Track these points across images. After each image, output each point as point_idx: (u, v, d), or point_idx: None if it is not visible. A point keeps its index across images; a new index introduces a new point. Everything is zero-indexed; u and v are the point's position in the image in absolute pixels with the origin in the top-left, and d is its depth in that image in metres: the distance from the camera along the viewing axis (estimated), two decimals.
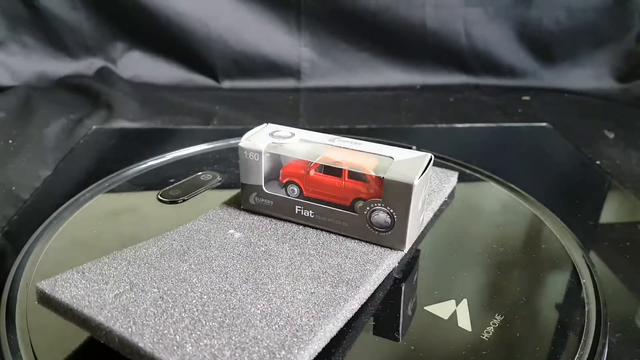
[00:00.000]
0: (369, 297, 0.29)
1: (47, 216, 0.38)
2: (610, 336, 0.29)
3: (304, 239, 0.33)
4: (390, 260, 0.32)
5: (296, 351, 0.23)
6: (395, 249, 0.32)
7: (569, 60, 0.91)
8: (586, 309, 0.31)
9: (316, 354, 0.24)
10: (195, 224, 0.34)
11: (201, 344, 0.23)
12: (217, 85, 0.86)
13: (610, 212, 0.48)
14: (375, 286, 0.30)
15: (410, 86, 0.88)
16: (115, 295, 0.26)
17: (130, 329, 0.24)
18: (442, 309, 0.30)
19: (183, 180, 0.44)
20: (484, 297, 0.31)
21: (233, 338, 0.24)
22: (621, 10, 0.88)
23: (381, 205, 0.31)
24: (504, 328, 0.28)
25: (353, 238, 0.33)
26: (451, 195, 0.42)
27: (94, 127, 0.64)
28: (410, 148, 0.35)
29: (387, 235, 0.32)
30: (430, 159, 0.32)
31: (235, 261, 0.30)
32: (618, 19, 0.89)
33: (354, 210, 0.33)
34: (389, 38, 0.87)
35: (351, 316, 0.27)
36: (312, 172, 0.34)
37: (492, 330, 0.28)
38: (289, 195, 0.35)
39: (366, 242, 0.33)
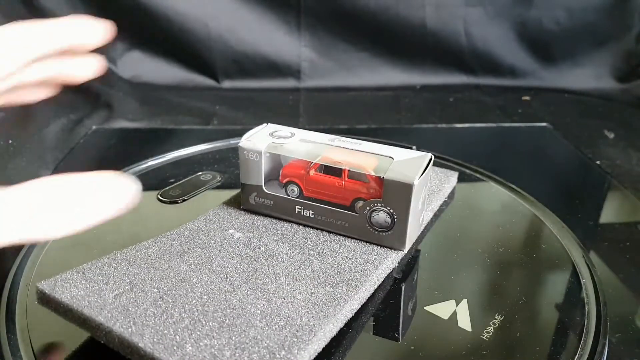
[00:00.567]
0: (369, 297, 0.29)
1: None
2: (610, 336, 0.29)
3: (304, 239, 0.33)
4: (390, 260, 0.32)
5: (296, 351, 0.23)
6: (395, 249, 0.32)
7: (569, 60, 0.91)
8: (586, 309, 0.31)
9: (316, 354, 0.24)
10: (195, 224, 0.34)
11: (201, 344, 0.23)
12: (217, 85, 0.86)
13: (610, 212, 0.48)
14: (375, 286, 0.30)
15: (410, 86, 0.88)
16: (115, 296, 0.26)
17: (130, 329, 0.24)
18: (442, 309, 0.30)
19: (183, 180, 0.44)
20: (484, 297, 0.31)
21: (233, 338, 0.24)
22: (621, 10, 0.88)
23: (381, 205, 0.31)
24: (504, 328, 0.28)
25: (353, 238, 0.33)
26: (451, 195, 0.42)
27: (94, 127, 0.64)
28: (410, 148, 0.35)
29: (387, 235, 0.32)
30: (430, 159, 0.32)
31: (235, 261, 0.30)
32: (618, 19, 0.89)
33: (354, 210, 0.33)
34: (389, 38, 0.87)
35: (351, 316, 0.27)
36: (312, 172, 0.34)
37: (492, 330, 0.28)
38: (288, 195, 0.35)
39: (366, 242, 0.33)
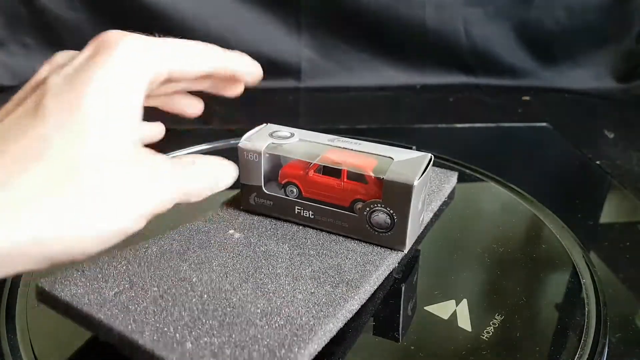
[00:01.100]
0: (369, 297, 0.29)
1: None
2: (610, 336, 0.29)
3: (303, 239, 0.33)
4: (390, 260, 0.32)
5: (296, 350, 0.23)
6: (395, 249, 0.32)
7: (569, 60, 0.91)
8: (586, 309, 0.31)
9: (316, 353, 0.24)
10: (195, 224, 0.34)
11: (201, 342, 0.23)
12: None
13: (610, 212, 0.48)
14: (375, 286, 0.30)
15: (410, 86, 0.88)
16: (115, 294, 0.26)
17: (130, 327, 0.24)
18: (442, 309, 0.30)
19: None
20: (484, 297, 0.31)
21: (233, 336, 0.24)
22: (621, 10, 0.88)
23: (381, 206, 0.31)
24: (504, 328, 0.28)
25: (353, 238, 0.33)
26: (451, 196, 0.42)
27: None
28: (410, 148, 0.35)
29: (387, 236, 0.32)
30: (430, 159, 0.32)
31: (235, 261, 0.30)
32: (618, 19, 0.89)
33: (353, 211, 0.33)
34: (389, 38, 0.87)
35: (351, 316, 0.27)
36: (311, 173, 0.34)
37: (492, 330, 0.28)
38: (287, 196, 0.35)
39: (366, 242, 0.33)
